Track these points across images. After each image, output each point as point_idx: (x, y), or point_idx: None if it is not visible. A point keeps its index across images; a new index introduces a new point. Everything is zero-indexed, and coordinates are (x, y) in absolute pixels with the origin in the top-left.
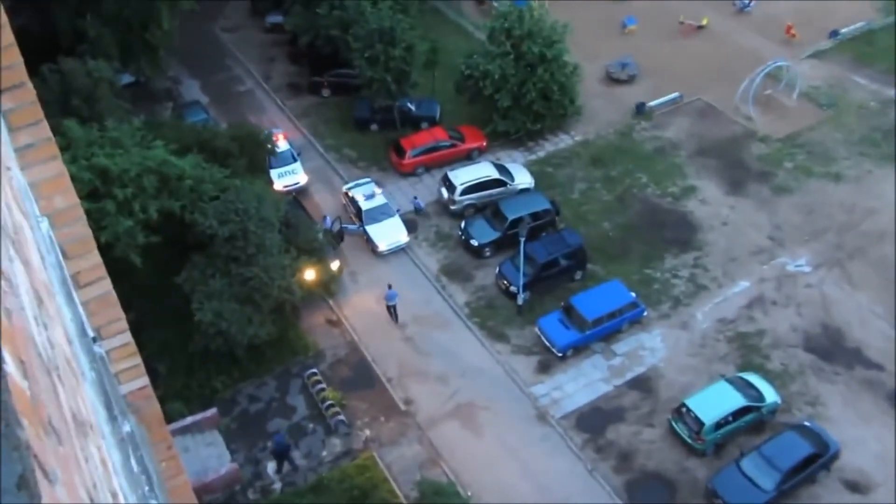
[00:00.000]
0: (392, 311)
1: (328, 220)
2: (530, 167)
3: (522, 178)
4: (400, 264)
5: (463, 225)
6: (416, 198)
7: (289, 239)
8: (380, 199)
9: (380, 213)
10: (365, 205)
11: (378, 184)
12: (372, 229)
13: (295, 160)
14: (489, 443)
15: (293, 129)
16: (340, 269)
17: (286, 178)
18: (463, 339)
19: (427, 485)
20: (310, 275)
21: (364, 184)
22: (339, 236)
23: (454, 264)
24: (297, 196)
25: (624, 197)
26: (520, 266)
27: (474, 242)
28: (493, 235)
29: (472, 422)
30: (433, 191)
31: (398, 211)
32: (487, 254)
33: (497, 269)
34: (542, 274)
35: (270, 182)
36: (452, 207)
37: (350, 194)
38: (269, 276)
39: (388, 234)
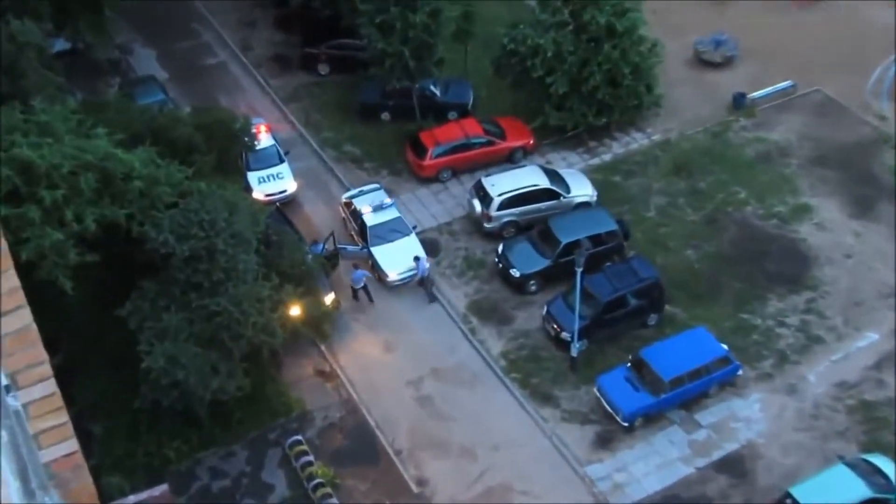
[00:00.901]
0: (363, 292)
1: (320, 245)
2: (591, 174)
3: (581, 189)
4: (416, 299)
5: (501, 249)
6: (383, 203)
7: (269, 262)
8: (391, 213)
9: (390, 231)
10: (371, 219)
11: (389, 192)
12: (380, 252)
13: (281, 160)
14: None
15: (279, 117)
16: (336, 303)
17: (269, 183)
18: (497, 401)
19: None
20: (296, 311)
21: (371, 191)
22: (333, 259)
23: (488, 301)
24: (282, 207)
25: (715, 217)
26: (575, 306)
27: (515, 273)
28: (541, 264)
29: None
30: (461, 202)
31: (415, 228)
32: (532, 288)
33: (545, 310)
34: (604, 317)
35: (248, 188)
36: (487, 225)
37: (352, 205)
38: (241, 310)
39: (401, 258)
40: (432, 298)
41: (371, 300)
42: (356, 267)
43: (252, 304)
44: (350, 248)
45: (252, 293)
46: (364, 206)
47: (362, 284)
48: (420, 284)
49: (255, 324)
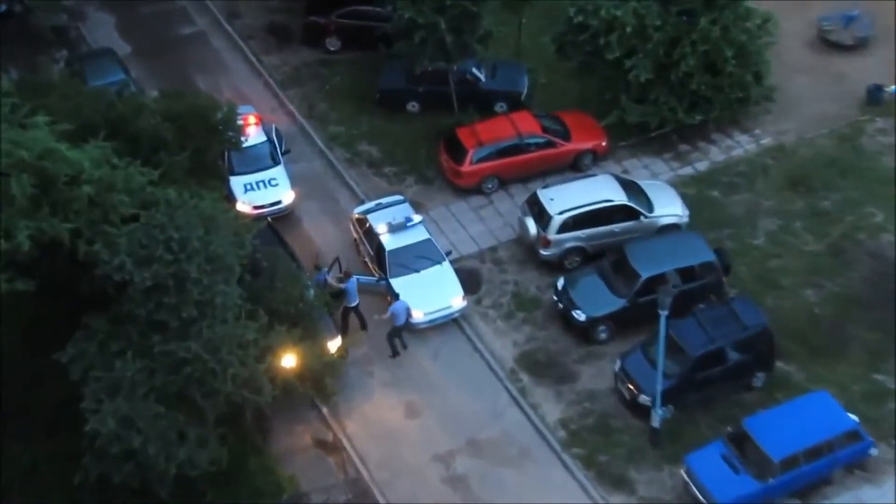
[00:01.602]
0: (354, 314)
1: (324, 272)
2: (682, 188)
3: (668, 208)
4: (449, 348)
5: (561, 284)
6: (408, 219)
7: (257, 296)
8: (418, 234)
9: (417, 258)
10: (392, 241)
11: (416, 207)
12: (402, 285)
13: (275, 162)
14: None
15: (274, 106)
16: (343, 351)
17: (259, 192)
18: (552, 484)
19: None
20: (290, 360)
21: (392, 205)
22: (339, 294)
23: (543, 352)
24: (275, 223)
25: (842, 247)
26: (658, 360)
27: (580, 315)
28: (614, 305)
29: None
30: (510, 222)
31: (449, 255)
32: (602, 336)
33: (618, 365)
34: (696, 375)
35: (231, 197)
36: (544, 253)
37: (367, 223)
38: (218, 358)
39: (430, 293)
40: (394, 353)
41: (364, 326)
42: (347, 276)
43: (233, 350)
44: (365, 279)
45: (233, 336)
46: (382, 225)
47: (354, 304)
48: (342, 319)
49: (235, 376)
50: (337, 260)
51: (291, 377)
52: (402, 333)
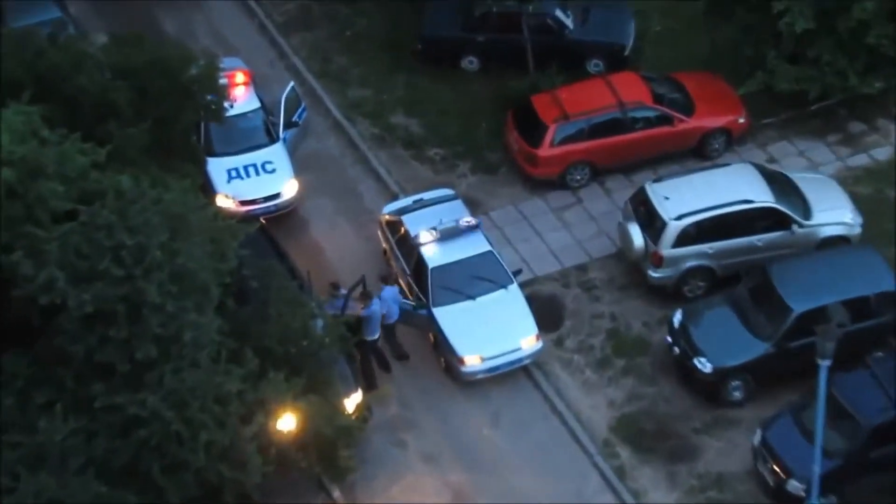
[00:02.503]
0: (389, 343)
1: (342, 295)
2: (853, 185)
3: (832, 213)
4: (515, 409)
5: (679, 319)
6: (444, 222)
7: (243, 331)
8: (474, 244)
9: (472, 278)
10: (436, 254)
11: (472, 206)
12: (450, 316)
13: (273, 139)
14: None
15: (272, 58)
16: (362, 409)
17: (249, 182)
18: None
19: None
20: (288, 423)
21: (437, 202)
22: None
23: (650, 417)
24: (269, 226)
25: None
26: (816, 431)
27: (704, 365)
28: (753, 350)
29: None
30: (607, 229)
31: (519, 275)
32: (735, 394)
33: (758, 436)
34: (870, 453)
35: (209, 189)
36: (655, 274)
37: (402, 227)
38: (185, 418)
39: (490, 329)
40: (391, 358)
41: (387, 367)
42: (384, 282)
43: (207, 406)
44: (399, 305)
45: (208, 386)
46: (424, 232)
47: (392, 321)
48: (385, 340)
49: (210, 444)
50: (362, 281)
51: (291, 446)
52: (395, 333)
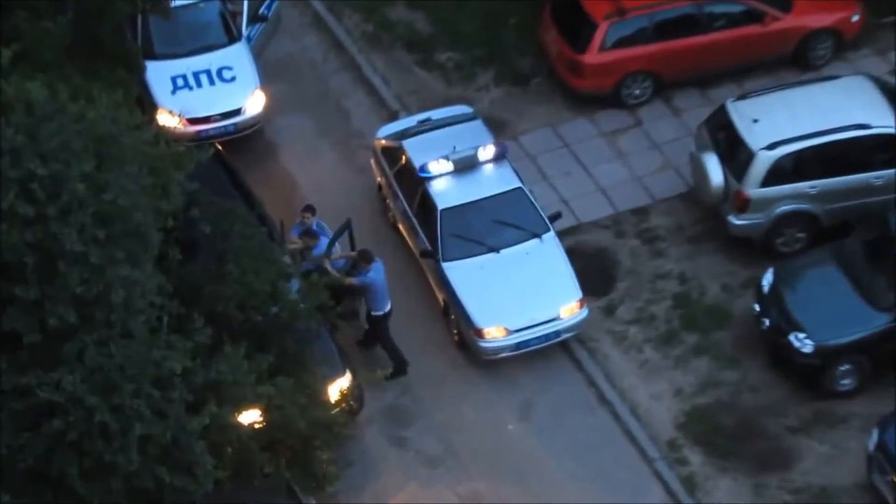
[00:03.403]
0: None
1: (325, 240)
2: None
3: None
4: (551, 397)
5: (769, 282)
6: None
7: (192, 291)
8: (498, 179)
9: (494, 224)
10: (447, 191)
11: (496, 127)
12: (468, 274)
13: (235, 37)
14: None
15: None
16: (351, 398)
17: (200, 93)
18: None
19: None
20: (250, 416)
21: (450, 122)
22: (345, 294)
23: (730, 410)
24: (223, 151)
25: None
26: None
27: (804, 343)
28: (869, 324)
29: None
30: (674, 160)
31: (556, 220)
32: (845, 382)
33: (874, 438)
34: None
35: (148, 102)
36: (738, 222)
37: (404, 155)
38: (113, 405)
39: (519, 292)
40: (400, 365)
41: (365, 341)
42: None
43: (143, 391)
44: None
45: (143, 364)
46: (433, 162)
47: (382, 311)
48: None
49: (146, 441)
50: (347, 226)
51: (253, 445)
52: (387, 327)
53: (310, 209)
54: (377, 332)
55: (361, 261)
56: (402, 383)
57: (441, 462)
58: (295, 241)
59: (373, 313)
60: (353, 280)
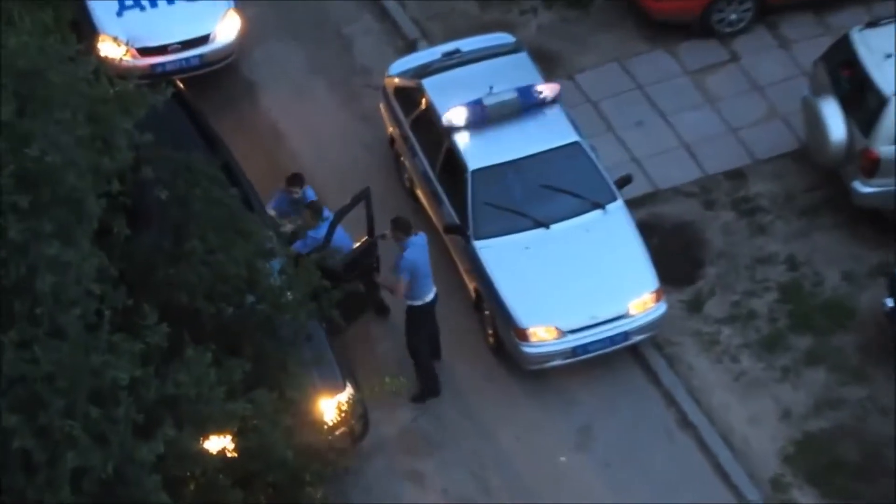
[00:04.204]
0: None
1: (326, 219)
2: None
3: None
4: (614, 419)
5: None
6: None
7: (144, 279)
8: (551, 131)
9: (542, 189)
10: (478, 146)
11: (544, 63)
12: (501, 255)
13: None
14: None
15: None
16: (350, 418)
17: (155, 16)
18: None
19: None
20: (218, 440)
21: (483, 56)
22: (359, 268)
23: (858, 439)
24: (185, 91)
25: None
26: None
27: None
28: None
29: None
30: (783, 106)
31: (625, 184)
32: None
33: None
34: None
35: (87, 28)
36: (865, 189)
37: (423, 96)
38: (39, 427)
39: (577, 280)
40: (429, 388)
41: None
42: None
43: (78, 408)
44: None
45: (79, 374)
46: (462, 108)
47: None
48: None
49: (81, 474)
50: (361, 199)
51: (223, 482)
52: (422, 324)
53: (297, 180)
54: (409, 327)
55: (398, 232)
56: (455, 397)
57: (471, 500)
58: (345, 243)
59: (408, 302)
60: (401, 276)
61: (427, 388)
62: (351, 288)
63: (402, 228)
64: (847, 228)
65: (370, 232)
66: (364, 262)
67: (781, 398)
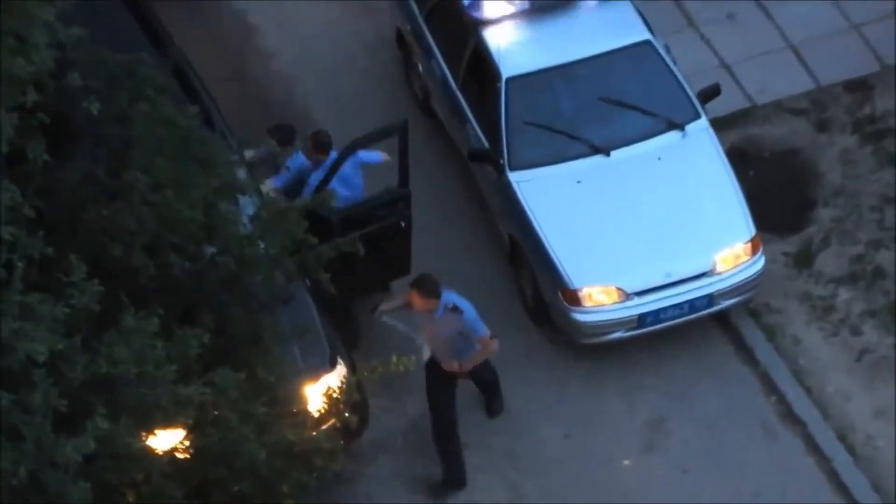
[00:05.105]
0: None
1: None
2: None
3: None
4: (696, 408)
5: None
6: None
7: (70, 220)
8: (612, 28)
9: (600, 102)
10: (515, 46)
11: None
12: (544, 192)
13: None
14: None
15: None
16: (343, 405)
17: None
18: None
19: None
20: (167, 435)
21: None
22: (381, 229)
23: None
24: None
25: None
26: None
27: None
28: None
29: None
30: None
31: (713, 98)
32: None
33: None
34: None
35: None
36: None
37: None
38: None
39: (642, 224)
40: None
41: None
42: None
43: None
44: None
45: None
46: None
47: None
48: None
49: None
50: (398, 128)
51: (173, 490)
52: (498, 384)
53: (283, 132)
54: (434, 390)
55: (430, 299)
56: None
57: None
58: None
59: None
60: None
61: (452, 475)
62: (346, 246)
63: (430, 291)
64: None
65: (403, 180)
66: (382, 217)
67: None
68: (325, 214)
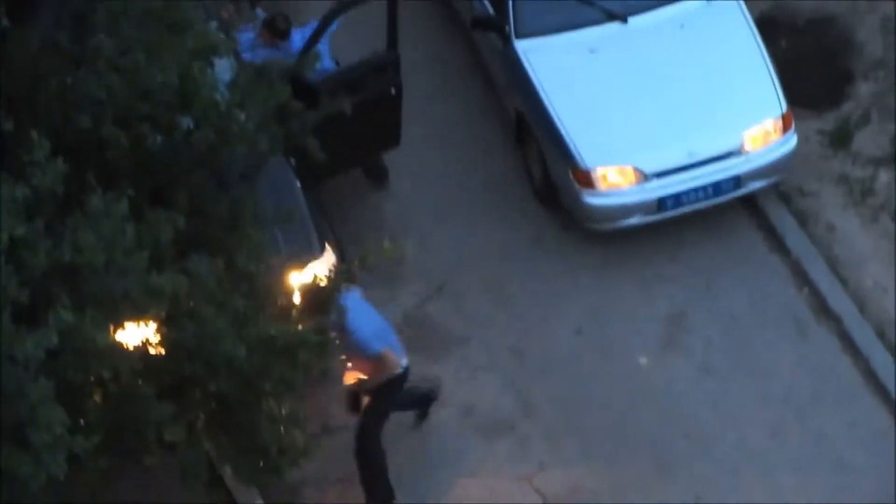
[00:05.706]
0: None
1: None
2: None
3: None
4: (720, 301)
5: None
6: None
7: (25, 85)
8: None
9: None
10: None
11: None
12: (553, 62)
13: None
14: None
15: None
16: (330, 294)
17: None
18: None
19: None
20: (135, 330)
21: None
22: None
23: None
24: None
25: None
26: None
27: None
28: None
29: None
30: None
31: None
32: None
33: None
34: None
35: None
36: None
37: None
38: None
39: (662, 98)
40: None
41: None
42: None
43: None
44: None
45: None
46: None
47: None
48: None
49: None
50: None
51: (145, 391)
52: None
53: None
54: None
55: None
56: (436, 276)
57: (508, 428)
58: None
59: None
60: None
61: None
62: (333, 109)
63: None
64: None
65: (391, 43)
66: (371, 83)
67: None
68: (311, 84)
